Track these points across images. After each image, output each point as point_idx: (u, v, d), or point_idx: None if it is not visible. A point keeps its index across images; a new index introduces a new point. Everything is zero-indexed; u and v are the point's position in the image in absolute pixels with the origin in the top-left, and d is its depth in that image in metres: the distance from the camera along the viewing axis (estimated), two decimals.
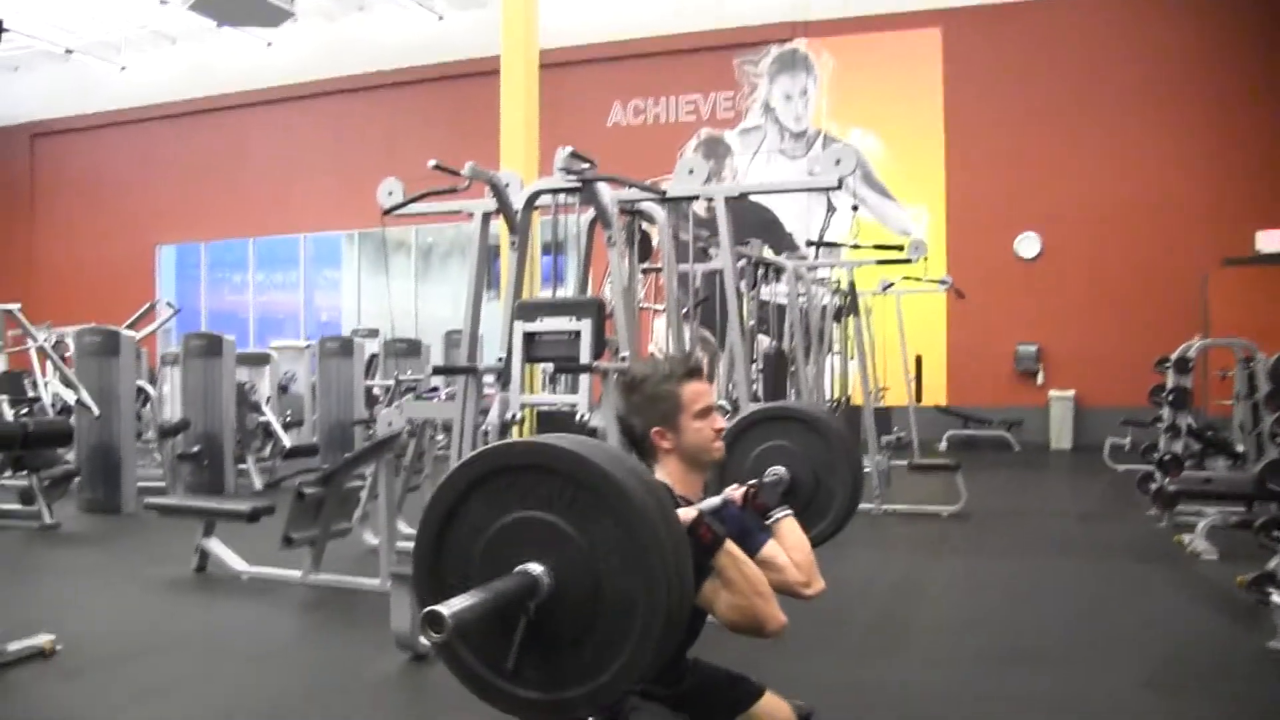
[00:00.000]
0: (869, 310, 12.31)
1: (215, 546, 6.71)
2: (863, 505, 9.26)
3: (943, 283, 12.56)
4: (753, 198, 16.54)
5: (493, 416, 5.46)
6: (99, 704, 4.28)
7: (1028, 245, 16.30)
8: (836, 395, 12.16)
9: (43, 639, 4.74)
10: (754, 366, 9.42)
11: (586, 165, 5.23)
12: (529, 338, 5.31)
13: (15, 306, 9.68)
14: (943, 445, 15.28)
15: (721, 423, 2.61)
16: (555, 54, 14.81)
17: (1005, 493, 11.09)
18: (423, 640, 4.74)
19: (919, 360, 13.49)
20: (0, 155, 23.43)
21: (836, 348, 12.31)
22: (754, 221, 15.66)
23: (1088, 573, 6.95)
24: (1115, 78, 15.82)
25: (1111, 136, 15.80)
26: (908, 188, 17.09)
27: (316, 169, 20.21)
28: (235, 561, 6.64)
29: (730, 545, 2.27)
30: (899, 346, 12.55)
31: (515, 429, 5.57)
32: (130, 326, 11.30)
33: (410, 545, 7.21)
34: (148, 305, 13.06)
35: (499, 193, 5.69)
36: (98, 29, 19.87)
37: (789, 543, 2.62)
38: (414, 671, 4.68)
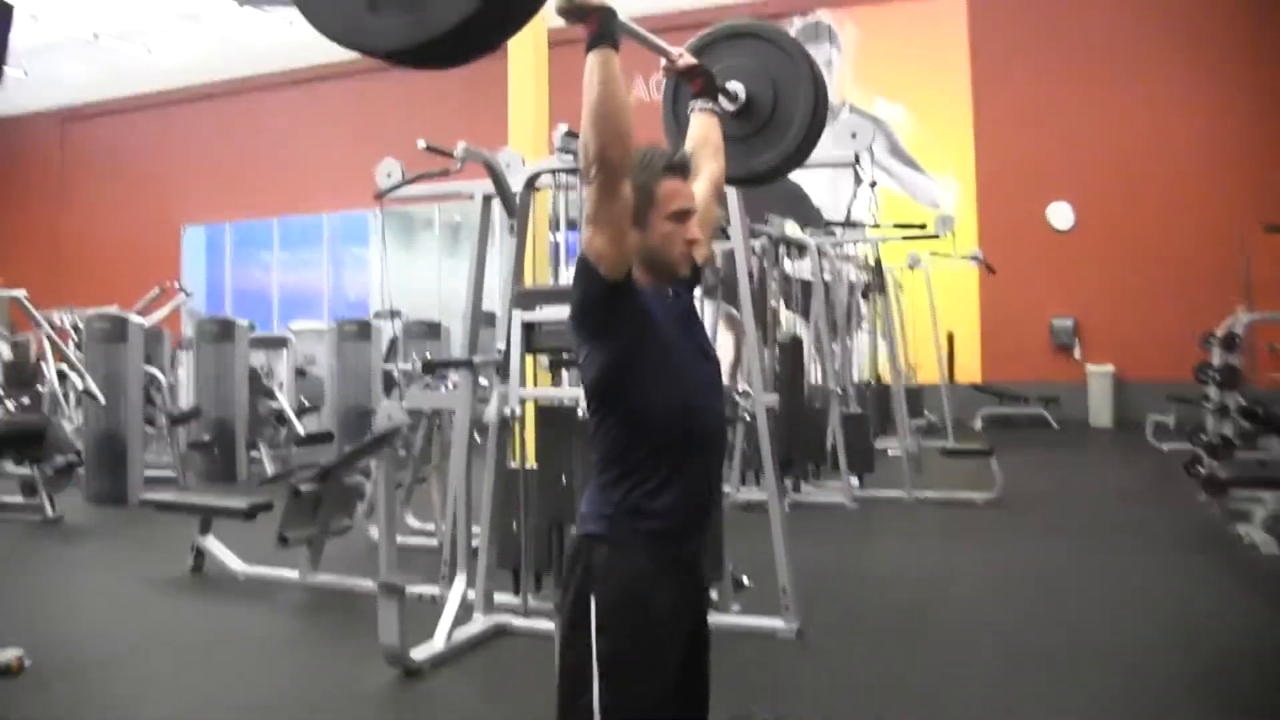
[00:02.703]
0: (899, 286, 11.98)
1: (212, 545, 6.47)
2: (894, 492, 9.01)
3: (973, 259, 12.19)
4: None
5: (490, 412, 5.18)
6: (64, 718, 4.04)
7: (1060, 215, 15.81)
8: (866, 375, 11.86)
9: (11, 654, 4.46)
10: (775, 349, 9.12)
11: None
12: (528, 328, 5.04)
13: (21, 293, 9.46)
14: (978, 424, 14.84)
15: (696, 233, 2.26)
16: (570, 30, 14.47)
17: (1043, 476, 10.57)
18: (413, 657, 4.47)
19: (950, 337, 13.20)
20: (32, 141, 23.47)
21: (866, 325, 12.02)
22: (781, 196, 15.30)
23: (1132, 566, 6.52)
24: (1148, 36, 15.28)
25: (1144, 100, 15.26)
26: (936, 158, 16.63)
27: (340, 148, 19.97)
28: (232, 561, 6.40)
29: (609, 56, 2.15)
30: (930, 323, 12.20)
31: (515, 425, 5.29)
32: (140, 311, 11.09)
33: (416, 541, 6.97)
34: (156, 290, 12.80)
35: (494, 174, 5.39)
36: (123, 13, 19.68)
37: (700, 134, 2.63)
38: (405, 687, 4.40)
